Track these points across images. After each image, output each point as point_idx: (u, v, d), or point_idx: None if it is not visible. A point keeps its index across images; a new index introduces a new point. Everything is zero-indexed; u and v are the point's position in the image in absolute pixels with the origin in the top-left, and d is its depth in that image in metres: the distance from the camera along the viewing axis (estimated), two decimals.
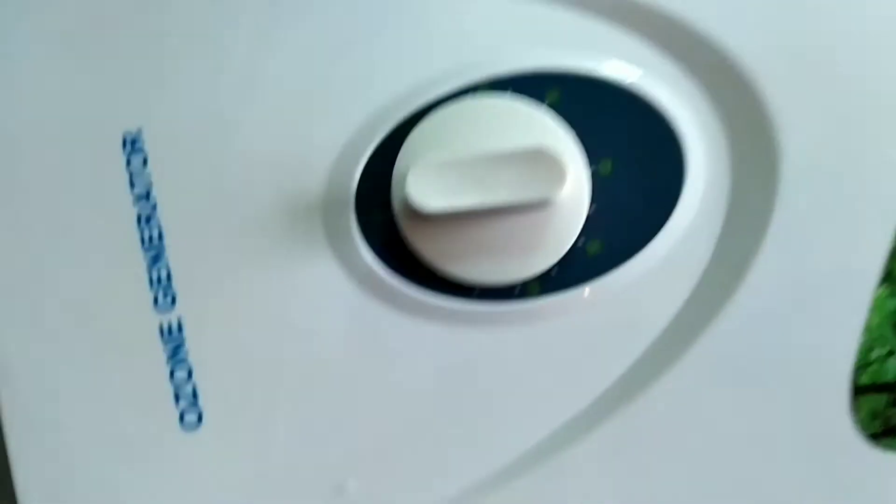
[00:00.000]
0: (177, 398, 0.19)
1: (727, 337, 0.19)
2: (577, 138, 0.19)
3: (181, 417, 0.19)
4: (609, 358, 0.19)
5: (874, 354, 0.18)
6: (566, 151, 0.18)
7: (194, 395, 0.19)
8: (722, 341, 0.19)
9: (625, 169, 0.19)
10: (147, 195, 0.20)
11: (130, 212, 0.20)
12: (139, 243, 0.20)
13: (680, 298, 0.19)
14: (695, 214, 0.19)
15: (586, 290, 0.19)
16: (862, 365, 0.18)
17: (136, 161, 0.20)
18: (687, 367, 0.19)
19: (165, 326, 0.19)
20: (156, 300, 0.20)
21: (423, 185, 0.18)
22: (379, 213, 0.19)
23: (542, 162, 0.18)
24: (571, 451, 0.19)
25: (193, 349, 0.19)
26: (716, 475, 0.19)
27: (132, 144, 0.20)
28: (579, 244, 0.19)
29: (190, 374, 0.19)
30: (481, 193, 0.18)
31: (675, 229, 0.19)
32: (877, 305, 0.18)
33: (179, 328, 0.19)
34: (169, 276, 0.20)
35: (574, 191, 0.19)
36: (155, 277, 0.20)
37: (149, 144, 0.20)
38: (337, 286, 0.19)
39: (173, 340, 0.19)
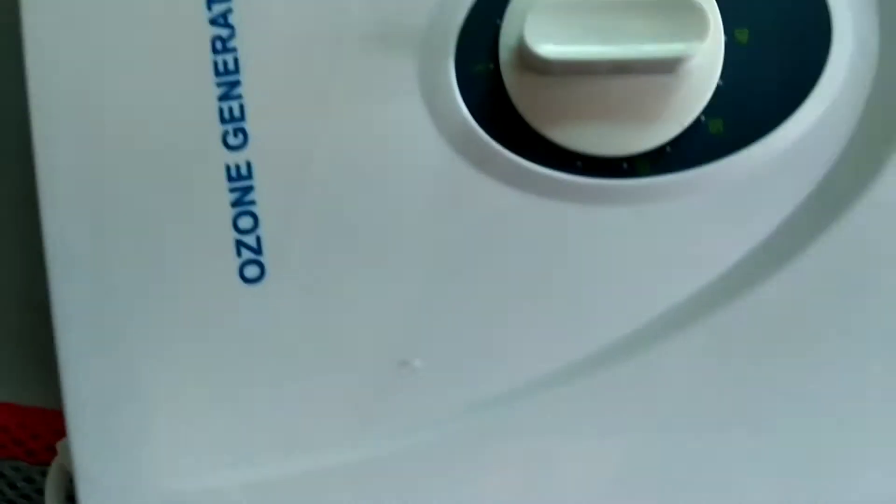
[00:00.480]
0: (239, 248, 0.18)
1: (851, 236, 0.17)
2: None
3: (242, 269, 0.17)
4: (718, 248, 0.17)
5: None
6: (706, 6, 0.16)
7: (258, 246, 0.17)
8: (845, 240, 0.17)
9: (762, 41, 0.17)
10: (226, 18, 0.18)
11: (205, 35, 0.18)
12: (211, 73, 0.18)
13: (804, 191, 0.17)
14: (833, 99, 0.17)
15: (702, 173, 0.17)
16: None
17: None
18: (805, 266, 0.17)
19: (233, 168, 0.18)
20: (225, 137, 0.18)
21: (543, 28, 0.16)
22: (482, 63, 0.17)
23: (682, 14, 0.16)
24: (666, 345, 0.17)
25: (262, 196, 0.18)
26: (822, 383, 0.17)
27: None
28: (701, 121, 0.17)
29: (256, 222, 0.18)
30: (607, 45, 0.16)
31: (809, 113, 0.17)
32: None
33: (249, 171, 0.18)
34: (242, 112, 0.18)
35: (706, 58, 0.17)
36: (226, 112, 0.18)
37: None
38: (426, 141, 0.17)
39: (241, 184, 0.18)
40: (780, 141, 0.17)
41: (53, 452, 0.23)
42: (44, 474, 0.24)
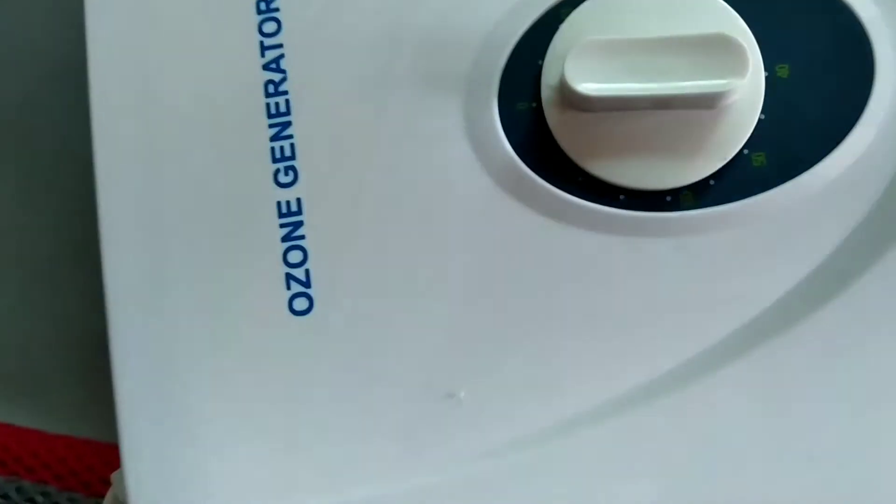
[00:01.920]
0: (288, 281, 0.18)
1: None
2: (753, 35, 0.17)
3: (291, 301, 0.18)
4: (764, 282, 0.17)
5: None
6: (747, 44, 0.16)
7: (307, 280, 0.18)
8: (892, 276, 0.17)
9: (803, 75, 0.17)
10: (278, 64, 0.19)
11: (258, 80, 0.19)
12: (264, 115, 0.18)
13: (850, 224, 0.17)
14: (878, 132, 0.17)
15: (746, 205, 0.17)
16: None
17: (269, 27, 0.19)
18: (851, 301, 0.17)
19: (284, 204, 0.18)
20: (276, 175, 0.18)
21: (583, 67, 0.16)
22: (525, 102, 0.18)
23: (721, 51, 0.16)
24: (708, 380, 0.17)
25: (312, 231, 0.18)
26: (870, 420, 0.17)
27: (266, 5, 0.19)
28: (744, 154, 0.17)
29: (305, 257, 0.18)
30: (646, 82, 0.16)
31: (853, 146, 0.17)
32: None
33: (299, 208, 0.18)
34: (293, 152, 0.18)
35: (747, 93, 0.17)
36: (278, 151, 0.18)
37: (284, 10, 0.19)
38: (471, 177, 0.18)
39: (291, 220, 0.18)
40: (825, 174, 0.17)
41: (108, 484, 0.23)
42: None
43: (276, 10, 0.19)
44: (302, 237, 0.18)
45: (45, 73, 0.28)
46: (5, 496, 0.24)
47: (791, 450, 0.17)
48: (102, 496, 0.24)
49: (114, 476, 0.23)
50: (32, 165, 0.27)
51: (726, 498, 0.17)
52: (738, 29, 0.17)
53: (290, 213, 0.18)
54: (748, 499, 0.16)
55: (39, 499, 0.24)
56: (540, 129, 0.18)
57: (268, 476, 0.18)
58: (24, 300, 0.27)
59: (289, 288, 0.18)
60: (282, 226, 0.18)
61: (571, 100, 0.17)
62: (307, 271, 0.18)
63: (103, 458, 0.25)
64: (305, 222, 0.18)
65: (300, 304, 0.18)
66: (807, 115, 0.17)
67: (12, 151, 0.28)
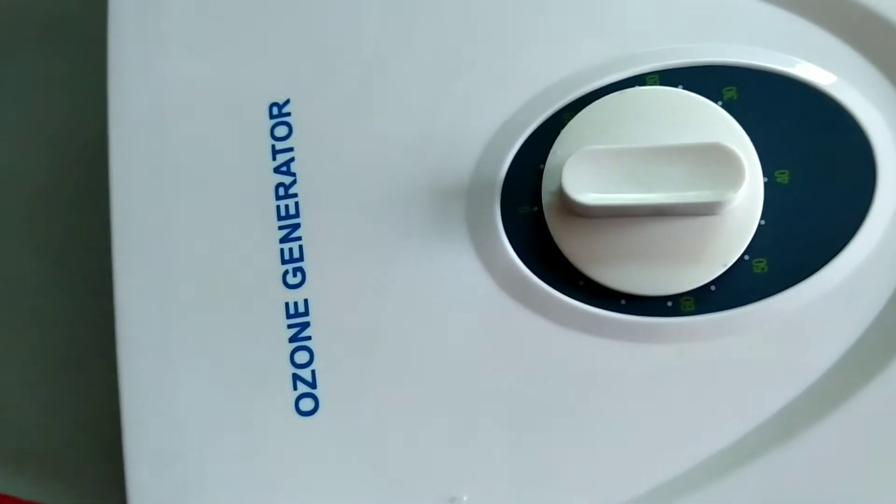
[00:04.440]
0: (295, 382, 0.18)
1: None
2: (752, 142, 0.17)
3: (297, 402, 0.18)
4: (766, 391, 0.17)
5: None
6: (744, 153, 0.16)
7: (313, 381, 0.18)
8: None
9: (804, 181, 0.17)
10: (288, 167, 0.19)
11: (269, 183, 0.19)
12: (274, 217, 0.19)
13: (854, 333, 0.17)
14: (880, 239, 0.17)
15: (747, 312, 0.17)
16: None
17: (281, 131, 0.20)
18: (855, 410, 0.16)
19: (291, 305, 0.19)
20: (284, 277, 0.19)
21: (581, 176, 0.17)
22: (526, 206, 0.18)
23: (717, 161, 0.16)
24: (712, 490, 0.17)
25: (318, 332, 0.18)
26: None
27: (279, 109, 0.20)
28: (744, 260, 0.17)
29: (311, 358, 0.18)
30: (644, 190, 0.16)
31: (856, 254, 0.17)
32: None
33: (306, 309, 0.19)
34: (301, 253, 0.19)
35: (746, 200, 0.17)
36: (286, 253, 0.19)
37: (294, 116, 0.19)
38: (473, 280, 0.18)
39: (298, 320, 0.19)
40: (827, 281, 0.17)
41: None
42: None
43: (288, 114, 0.20)
44: (308, 338, 0.18)
45: (72, 154, 0.30)
46: None
47: None
48: None
49: None
50: (54, 249, 0.28)
51: None
52: (737, 136, 0.17)
53: (297, 314, 0.19)
54: None
55: None
56: (541, 234, 0.18)
57: None
58: (45, 382, 0.28)
59: (295, 388, 0.18)
60: (289, 326, 0.19)
61: (572, 206, 0.17)
62: (313, 372, 0.18)
63: None
64: (312, 324, 0.19)
65: (306, 404, 0.18)
66: (808, 222, 0.17)
67: (36, 232, 0.29)
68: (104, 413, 0.26)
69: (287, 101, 0.20)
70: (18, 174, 0.29)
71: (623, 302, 0.18)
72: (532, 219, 0.18)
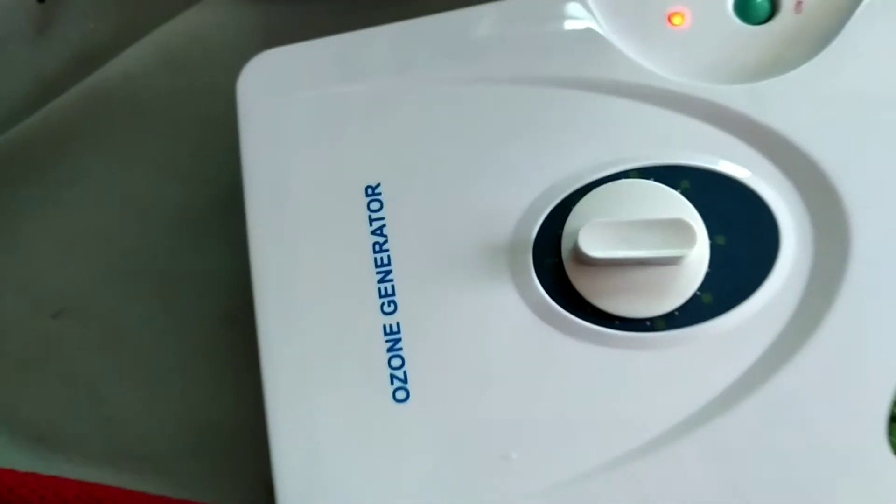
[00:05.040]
0: (392, 379, 0.26)
1: (797, 376, 0.25)
2: (702, 216, 0.26)
3: (394, 394, 0.26)
4: (710, 381, 0.26)
5: None
6: (696, 223, 0.25)
7: (405, 378, 0.26)
8: (792, 379, 0.25)
9: (734, 242, 0.26)
10: (381, 230, 0.27)
11: (368, 242, 0.27)
12: (373, 266, 0.27)
13: (765, 343, 0.26)
14: (783, 282, 0.26)
15: (699, 328, 0.26)
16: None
17: (375, 205, 0.28)
18: (765, 396, 0.25)
19: (388, 327, 0.27)
20: (382, 307, 0.27)
21: (590, 239, 0.25)
22: (550, 258, 0.27)
23: (679, 229, 0.25)
24: (671, 448, 0.25)
25: (407, 345, 0.27)
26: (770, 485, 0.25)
27: (373, 190, 0.28)
28: (697, 294, 0.26)
29: (403, 362, 0.26)
30: (632, 249, 0.25)
31: (767, 291, 0.26)
32: None
33: (398, 329, 0.27)
34: (393, 290, 0.27)
35: (697, 255, 0.26)
36: (383, 290, 0.27)
37: (384, 195, 0.28)
38: (515, 310, 0.27)
39: (393, 337, 0.27)
40: (749, 309, 0.26)
41: None
42: None
43: (380, 194, 0.28)
44: (401, 349, 0.27)
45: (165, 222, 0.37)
46: None
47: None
48: None
49: None
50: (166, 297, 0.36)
51: None
52: (691, 213, 0.26)
53: (391, 333, 0.27)
54: None
55: None
56: (562, 277, 0.27)
57: None
58: (155, 393, 0.35)
59: (392, 384, 0.26)
60: (386, 341, 0.27)
61: (583, 258, 0.26)
62: (405, 373, 0.26)
63: None
64: (403, 339, 0.27)
65: (400, 395, 0.26)
66: (736, 270, 0.26)
67: (150, 275, 0.36)
68: (208, 422, 0.34)
69: (378, 185, 0.28)
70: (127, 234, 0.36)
71: (617, 322, 0.26)
72: (555, 267, 0.27)
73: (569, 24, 0.29)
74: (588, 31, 0.28)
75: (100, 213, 0.37)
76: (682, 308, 0.26)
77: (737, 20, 0.28)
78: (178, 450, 0.35)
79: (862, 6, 0.27)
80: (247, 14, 0.36)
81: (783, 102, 0.27)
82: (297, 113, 0.29)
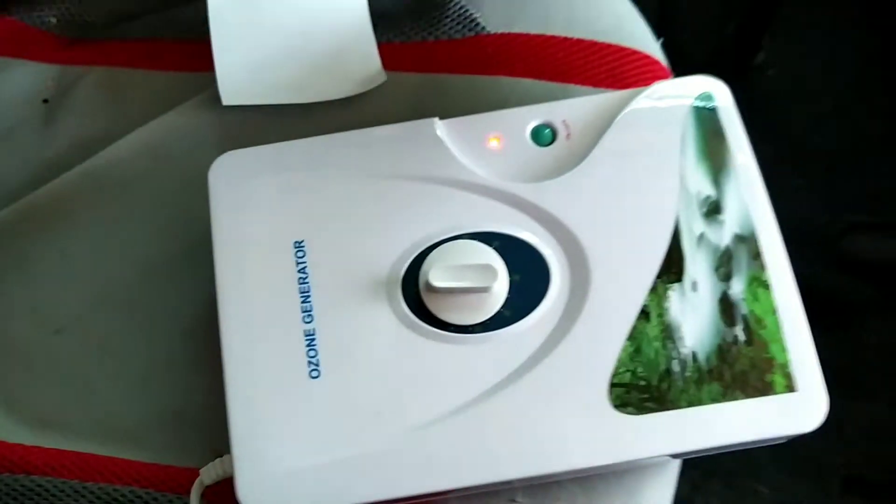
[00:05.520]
0: (309, 364, 0.41)
1: (558, 360, 0.41)
2: (505, 262, 0.43)
3: (310, 373, 0.41)
4: (506, 366, 0.41)
5: (621, 370, 0.41)
6: (500, 267, 0.42)
7: (318, 364, 0.41)
8: (555, 363, 0.41)
9: (524, 279, 0.43)
10: (304, 269, 0.43)
11: (295, 276, 0.43)
12: (297, 289, 0.42)
13: (540, 341, 0.42)
14: (551, 304, 0.42)
15: (500, 332, 0.42)
16: (615, 375, 0.41)
17: (300, 254, 0.43)
18: (537, 375, 0.41)
19: (307, 331, 0.42)
20: (304, 318, 0.42)
21: (436, 276, 0.41)
22: (413, 291, 0.43)
23: (489, 271, 0.41)
24: (481, 406, 0.41)
25: (320, 343, 0.42)
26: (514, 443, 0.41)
27: (299, 245, 0.43)
28: (500, 310, 0.42)
29: (316, 354, 0.42)
30: (461, 282, 0.41)
31: (542, 309, 0.42)
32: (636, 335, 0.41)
33: (314, 332, 0.42)
34: (311, 307, 0.42)
35: (500, 286, 0.42)
36: (305, 308, 0.42)
37: (307, 247, 0.43)
38: (391, 323, 0.41)
39: (310, 337, 0.42)
40: (531, 320, 0.42)
41: None
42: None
43: (304, 247, 0.43)
44: (315, 346, 0.42)
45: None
46: None
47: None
48: None
49: (203, 470, 0.44)
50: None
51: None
52: (498, 262, 0.42)
53: (309, 335, 0.42)
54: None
55: None
56: (420, 301, 0.42)
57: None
58: (134, 388, 0.48)
59: (309, 367, 0.41)
60: (306, 340, 0.42)
61: (431, 288, 0.42)
62: (318, 360, 0.41)
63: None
64: (317, 339, 0.42)
65: (314, 374, 0.41)
66: (524, 296, 0.42)
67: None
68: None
69: (303, 240, 0.43)
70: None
71: (452, 328, 0.42)
72: (416, 294, 0.42)
73: (427, 142, 0.45)
74: (440, 146, 0.45)
75: (92, 258, 0.50)
76: (491, 319, 0.42)
77: (532, 143, 0.46)
78: (149, 428, 0.48)
79: (606, 134, 0.45)
80: (216, 118, 0.52)
81: (556, 195, 0.44)
82: (251, 194, 0.44)
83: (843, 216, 1.00)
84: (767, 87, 1.05)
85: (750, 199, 0.43)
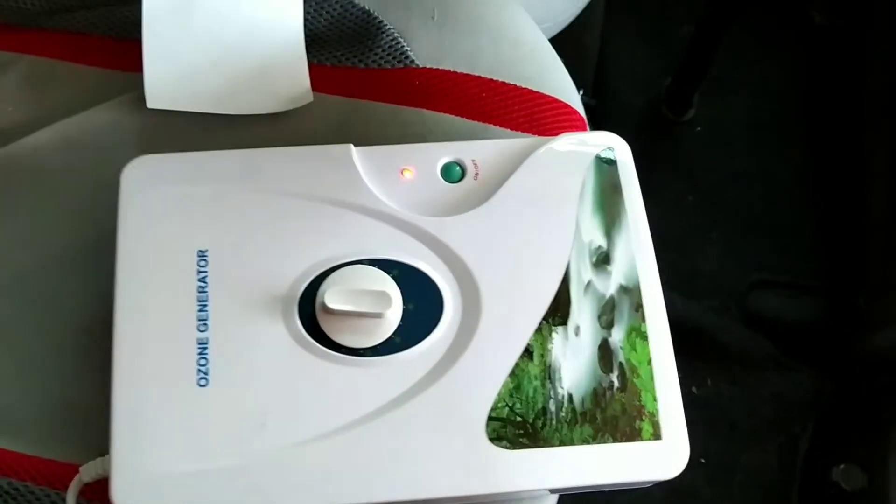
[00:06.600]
0: (198, 372, 0.42)
1: (445, 388, 0.43)
2: (401, 291, 0.44)
3: (199, 381, 0.42)
4: (391, 388, 0.43)
5: (500, 404, 0.43)
6: (395, 295, 0.44)
7: (207, 373, 0.42)
8: (441, 390, 0.43)
9: (418, 308, 0.44)
10: (204, 278, 0.44)
11: (195, 284, 0.44)
12: (196, 297, 0.43)
13: (428, 368, 0.43)
14: (443, 333, 0.44)
15: (391, 357, 0.44)
16: (493, 409, 0.43)
17: (202, 263, 0.44)
18: (422, 400, 0.43)
19: (200, 340, 0.43)
20: (198, 327, 0.43)
21: (331, 298, 0.43)
22: (310, 308, 0.44)
23: (383, 297, 0.43)
24: (356, 430, 0.42)
25: (211, 352, 0.43)
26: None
27: (202, 254, 0.44)
28: (392, 336, 0.44)
29: (207, 362, 0.42)
30: (356, 306, 0.43)
31: (433, 337, 0.44)
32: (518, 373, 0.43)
33: (207, 341, 0.43)
34: (207, 316, 0.43)
35: (394, 313, 0.44)
36: (200, 317, 0.43)
37: (210, 256, 0.44)
38: (284, 341, 0.43)
39: (202, 346, 0.43)
40: (422, 347, 0.44)
41: None
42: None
43: (207, 255, 0.44)
44: (207, 354, 0.43)
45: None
46: None
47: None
48: None
49: (82, 468, 0.44)
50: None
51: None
52: (394, 289, 0.44)
53: (201, 344, 0.43)
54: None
55: None
56: (315, 321, 0.44)
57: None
58: (29, 380, 0.48)
59: (198, 375, 0.42)
60: (198, 348, 0.43)
61: (327, 309, 0.43)
62: (207, 369, 0.42)
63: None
64: (209, 347, 0.43)
65: (203, 382, 0.42)
66: (417, 324, 0.44)
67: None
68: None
69: (207, 250, 0.44)
70: None
71: (344, 349, 0.43)
72: (312, 315, 0.44)
73: (341, 167, 0.47)
74: (353, 172, 0.47)
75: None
76: (382, 344, 0.44)
77: (441, 179, 0.47)
78: (34, 420, 0.48)
79: (512, 177, 0.47)
80: (138, 119, 0.52)
81: (457, 231, 0.46)
82: (161, 199, 0.45)
83: (752, 273, 1.05)
84: (695, 141, 1.09)
85: (638, 252, 0.46)
